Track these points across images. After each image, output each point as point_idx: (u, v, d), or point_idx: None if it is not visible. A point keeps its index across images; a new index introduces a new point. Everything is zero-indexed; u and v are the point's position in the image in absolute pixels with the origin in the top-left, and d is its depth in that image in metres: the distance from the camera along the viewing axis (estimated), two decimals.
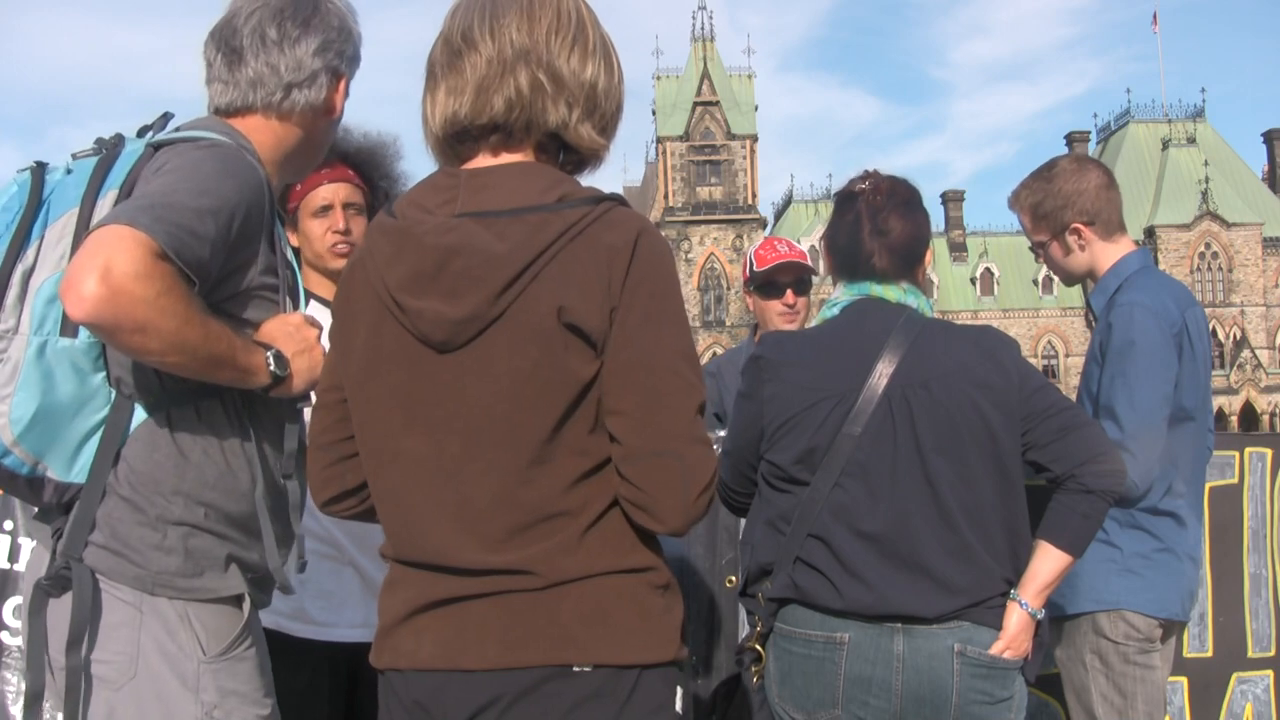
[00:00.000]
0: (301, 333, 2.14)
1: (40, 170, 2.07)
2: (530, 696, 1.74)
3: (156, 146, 2.08)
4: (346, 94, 2.34)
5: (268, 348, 2.08)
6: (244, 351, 2.03)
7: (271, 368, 2.06)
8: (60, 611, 2.03)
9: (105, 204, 2.02)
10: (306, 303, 3.04)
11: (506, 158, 1.87)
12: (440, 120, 1.87)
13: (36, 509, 2.16)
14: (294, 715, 2.78)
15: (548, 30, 1.84)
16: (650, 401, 1.75)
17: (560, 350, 1.74)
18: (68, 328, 1.98)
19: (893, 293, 2.71)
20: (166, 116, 2.20)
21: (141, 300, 1.81)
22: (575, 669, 1.74)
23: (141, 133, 2.18)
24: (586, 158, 1.93)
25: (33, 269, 2.00)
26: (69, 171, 2.08)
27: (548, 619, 1.75)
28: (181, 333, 1.88)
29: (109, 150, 2.10)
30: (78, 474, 2.04)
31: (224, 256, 2.00)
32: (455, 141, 1.89)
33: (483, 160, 1.88)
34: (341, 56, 2.28)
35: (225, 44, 2.22)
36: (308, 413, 2.99)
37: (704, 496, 1.78)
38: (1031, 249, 3.52)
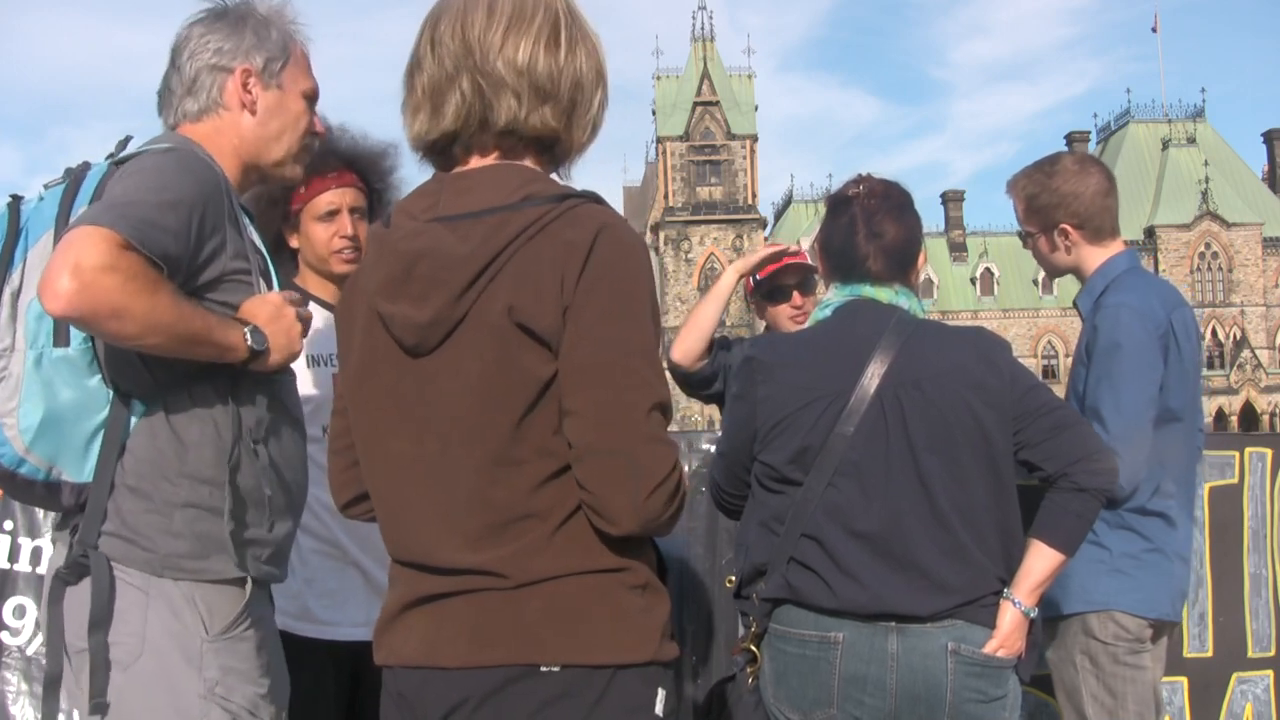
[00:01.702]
0: (281, 311, 2.25)
1: (16, 202, 2.22)
2: (499, 695, 1.74)
3: (119, 164, 2.20)
4: (266, 84, 2.37)
5: (246, 324, 2.19)
6: (220, 328, 2.14)
7: (249, 342, 2.17)
8: (75, 599, 2.14)
9: None
10: (306, 303, 3.07)
11: (478, 161, 1.89)
12: (411, 139, 1.92)
13: (56, 514, 2.28)
14: (299, 714, 2.79)
15: (480, 30, 1.83)
16: (602, 401, 1.72)
17: (516, 350, 1.74)
18: (60, 338, 2.10)
19: (885, 294, 2.72)
20: (127, 139, 2.32)
21: (112, 288, 1.93)
22: (543, 669, 1.73)
23: (108, 158, 2.28)
24: (553, 145, 1.90)
25: (20, 289, 2.14)
26: (41, 199, 2.22)
27: (515, 618, 1.75)
28: (154, 314, 1.99)
29: (76, 175, 2.23)
30: (90, 473, 2.15)
31: (194, 246, 2.11)
32: (428, 155, 1.92)
33: (463, 165, 1.90)
34: (222, 52, 2.35)
35: (158, 90, 2.40)
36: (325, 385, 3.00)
37: (656, 496, 1.73)
38: (1021, 235, 3.54)
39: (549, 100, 1.85)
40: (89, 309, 1.92)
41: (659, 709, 1.79)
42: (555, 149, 1.91)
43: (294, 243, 3.20)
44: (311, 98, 2.46)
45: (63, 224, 2.14)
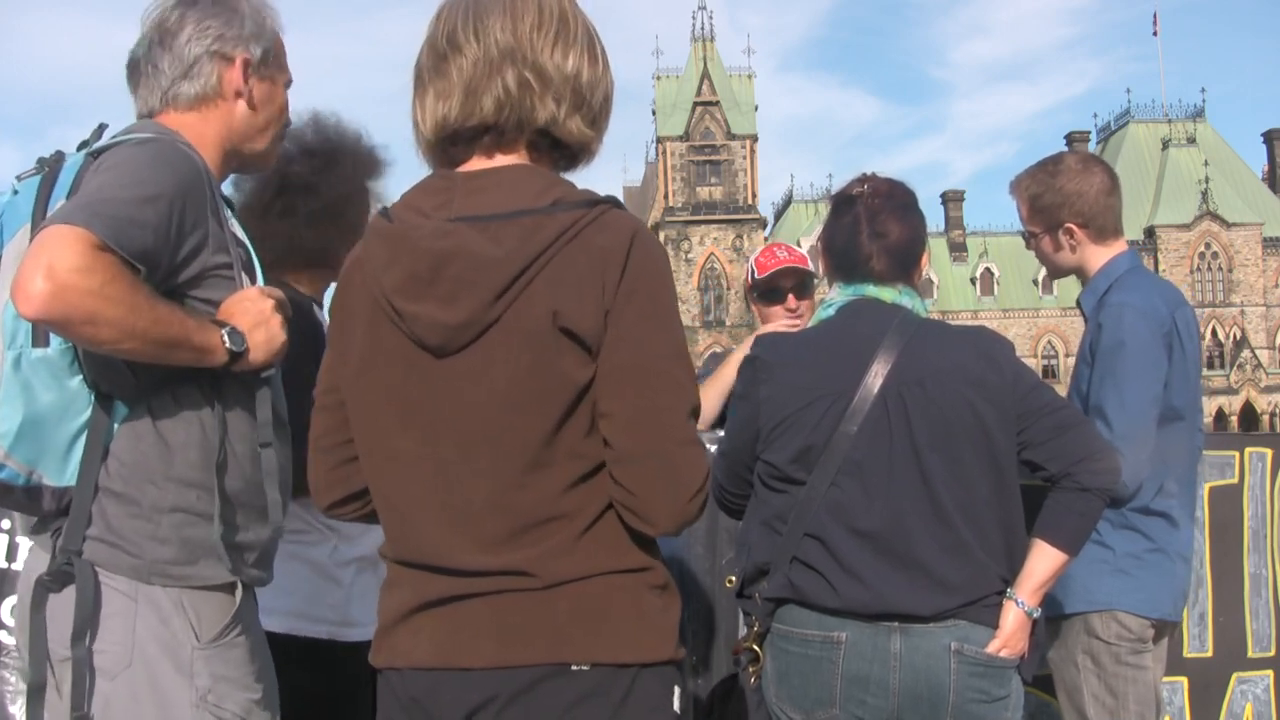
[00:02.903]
0: (258, 306, 2.17)
1: None
2: (527, 695, 1.74)
3: (95, 154, 2.14)
4: (261, 74, 2.34)
5: (223, 325, 2.12)
6: (198, 331, 2.07)
7: (227, 344, 2.10)
8: (58, 606, 2.07)
9: None
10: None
11: (500, 159, 1.87)
12: (431, 124, 1.87)
13: (35, 519, 2.19)
14: (344, 715, 2.81)
15: (531, 28, 1.84)
16: (641, 404, 1.76)
17: (555, 355, 1.75)
18: (39, 338, 2.03)
19: (888, 294, 2.72)
20: (101, 127, 2.25)
21: (87, 292, 1.86)
22: (574, 667, 1.74)
23: (81, 147, 2.23)
24: (578, 152, 1.93)
25: None
26: (15, 193, 2.15)
27: (545, 618, 1.75)
28: (130, 319, 1.92)
29: (51, 166, 2.17)
30: (71, 477, 2.09)
31: (174, 242, 2.05)
32: (448, 145, 1.89)
33: (477, 163, 1.88)
34: (225, 39, 2.30)
35: (129, 64, 2.33)
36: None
37: (697, 499, 1.78)
38: (1023, 235, 3.54)
39: (582, 108, 1.88)
40: (62, 314, 1.86)
41: (676, 706, 1.82)
42: (579, 156, 1.93)
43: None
44: (289, 87, 2.44)
45: (39, 218, 2.07)
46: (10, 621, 3.46)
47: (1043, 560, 2.58)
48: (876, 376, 2.56)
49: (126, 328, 1.92)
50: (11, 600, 3.48)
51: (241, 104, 2.32)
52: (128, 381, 2.08)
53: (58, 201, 2.08)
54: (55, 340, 2.03)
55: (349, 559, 3.00)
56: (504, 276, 1.74)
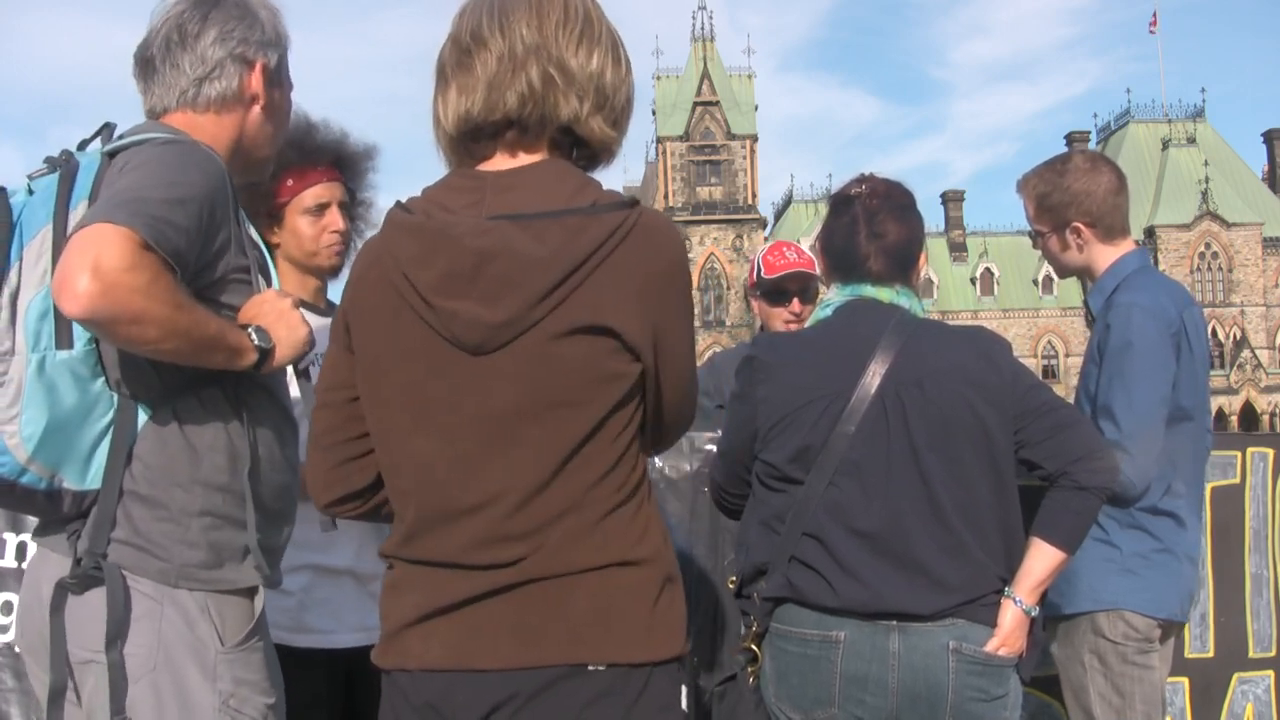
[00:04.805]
0: (276, 305, 2.17)
1: (2, 195, 2.10)
2: (544, 695, 1.74)
3: (112, 154, 2.12)
4: (274, 81, 2.35)
5: (246, 326, 2.12)
6: (231, 332, 2.07)
7: (256, 342, 2.10)
8: (77, 608, 2.06)
9: (77, 214, 2.06)
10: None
11: (524, 157, 1.87)
12: (454, 119, 1.87)
13: (43, 520, 2.17)
14: None
15: (556, 25, 1.85)
16: (683, 402, 1.94)
17: (601, 357, 1.76)
18: (63, 340, 2.01)
19: (886, 294, 2.72)
20: (109, 127, 2.23)
21: (135, 290, 1.85)
22: (590, 668, 1.74)
23: (81, 146, 2.21)
24: (599, 152, 1.93)
25: (18, 290, 2.03)
26: (31, 192, 2.11)
27: (561, 617, 1.75)
28: (175, 318, 1.92)
29: (64, 165, 2.14)
30: (92, 480, 2.07)
31: (201, 244, 2.04)
32: (469, 140, 1.88)
33: (501, 160, 1.88)
34: (248, 43, 2.29)
35: (140, 58, 2.30)
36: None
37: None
38: (1030, 235, 3.53)
39: (605, 108, 1.89)
40: (110, 312, 1.83)
41: (684, 704, 1.83)
42: (599, 155, 1.94)
43: (275, 238, 3.08)
44: (290, 93, 2.44)
45: (61, 218, 2.05)
46: (1, 619, 3.43)
47: (1040, 559, 2.58)
48: (874, 377, 2.56)
49: (171, 327, 1.92)
50: (1, 597, 3.44)
51: (256, 109, 2.32)
52: (153, 384, 2.08)
53: (79, 202, 2.07)
54: (79, 341, 2.01)
55: (298, 565, 2.89)
56: (550, 278, 1.74)
